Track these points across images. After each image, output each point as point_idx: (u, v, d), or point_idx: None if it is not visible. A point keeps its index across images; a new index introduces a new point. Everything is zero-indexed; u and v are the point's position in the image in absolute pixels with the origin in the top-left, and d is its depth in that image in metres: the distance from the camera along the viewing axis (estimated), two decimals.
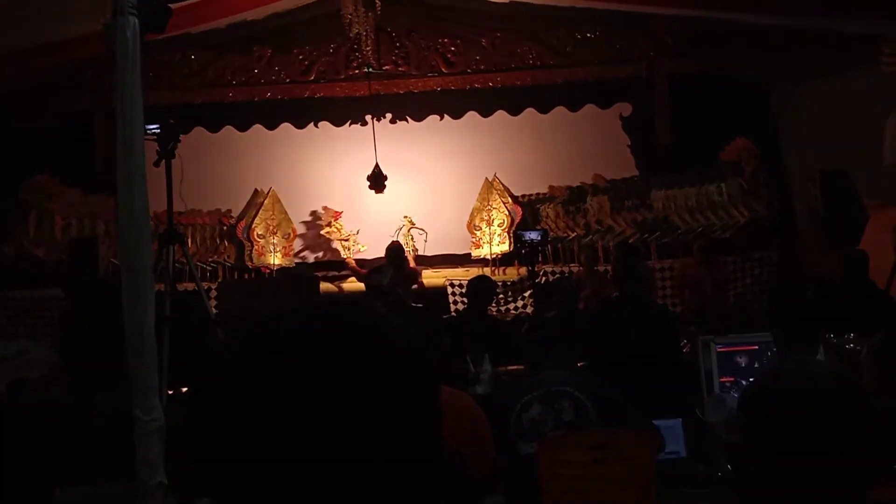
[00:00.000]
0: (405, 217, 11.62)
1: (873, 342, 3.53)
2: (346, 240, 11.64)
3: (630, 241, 11.01)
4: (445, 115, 12.17)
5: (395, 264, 9.78)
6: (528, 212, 11.67)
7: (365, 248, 11.53)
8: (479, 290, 7.54)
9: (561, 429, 4.15)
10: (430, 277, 10.95)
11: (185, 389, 6.06)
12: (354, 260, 11.37)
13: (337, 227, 11.74)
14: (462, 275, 11.03)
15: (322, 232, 11.87)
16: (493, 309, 10.75)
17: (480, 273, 9.90)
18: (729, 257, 10.69)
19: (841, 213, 9.15)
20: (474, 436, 3.89)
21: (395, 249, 10.00)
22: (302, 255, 12.04)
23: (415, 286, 9.90)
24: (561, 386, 4.25)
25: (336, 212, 11.79)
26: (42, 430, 2.08)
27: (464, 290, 9.42)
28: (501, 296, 11.03)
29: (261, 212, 11.74)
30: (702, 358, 4.91)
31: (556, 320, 6.95)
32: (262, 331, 0.96)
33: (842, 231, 8.98)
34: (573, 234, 11.49)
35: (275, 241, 11.68)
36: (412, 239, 11.54)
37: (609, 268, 9.55)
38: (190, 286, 8.54)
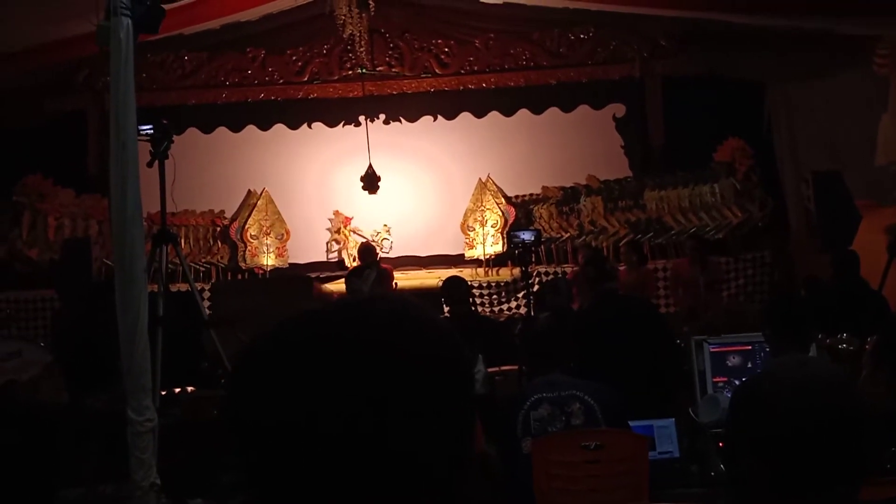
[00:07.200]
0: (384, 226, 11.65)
1: (872, 342, 3.54)
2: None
3: (621, 243, 11.05)
4: (439, 116, 12.17)
5: (369, 264, 9.65)
6: (521, 212, 11.68)
7: (391, 243, 11.35)
8: (452, 290, 7.32)
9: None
10: (424, 279, 10.93)
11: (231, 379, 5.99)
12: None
13: (345, 235, 11.66)
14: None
15: (330, 239, 11.77)
16: (486, 309, 10.76)
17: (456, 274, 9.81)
18: (722, 257, 10.72)
19: (833, 214, 9.16)
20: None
21: (369, 249, 9.90)
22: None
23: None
24: (571, 389, 4.25)
25: (346, 217, 11.71)
26: (33, 432, 2.08)
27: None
28: (495, 296, 11.03)
29: (254, 213, 11.72)
30: (695, 358, 4.92)
31: (548, 320, 6.91)
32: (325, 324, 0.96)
33: (834, 232, 8.99)
34: (566, 235, 11.50)
35: (268, 242, 11.66)
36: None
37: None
38: (183, 287, 8.52)
